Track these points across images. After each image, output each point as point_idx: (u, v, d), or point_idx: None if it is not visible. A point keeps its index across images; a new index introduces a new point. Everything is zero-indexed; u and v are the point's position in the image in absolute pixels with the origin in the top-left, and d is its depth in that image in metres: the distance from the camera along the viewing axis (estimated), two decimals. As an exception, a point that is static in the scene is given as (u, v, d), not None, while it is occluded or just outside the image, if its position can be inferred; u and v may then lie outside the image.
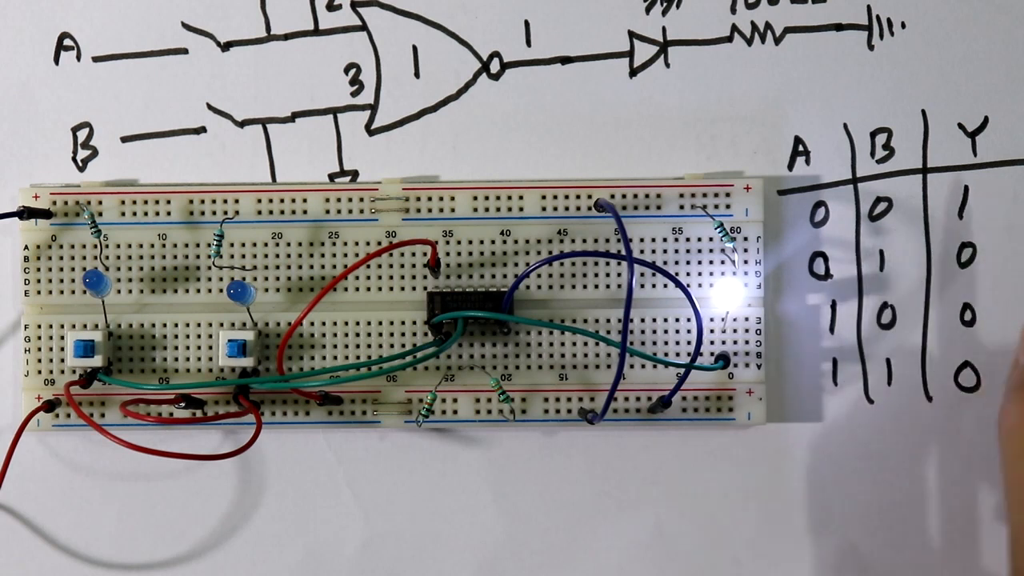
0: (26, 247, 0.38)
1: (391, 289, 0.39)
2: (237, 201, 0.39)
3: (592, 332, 0.38)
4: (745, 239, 0.39)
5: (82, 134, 0.40)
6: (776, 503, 0.40)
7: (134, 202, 0.39)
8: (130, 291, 0.39)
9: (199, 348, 0.39)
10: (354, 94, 0.40)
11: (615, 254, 0.38)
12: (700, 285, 0.39)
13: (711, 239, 0.39)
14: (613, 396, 0.36)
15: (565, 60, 0.40)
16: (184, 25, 0.40)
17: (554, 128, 0.40)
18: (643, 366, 0.39)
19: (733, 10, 0.40)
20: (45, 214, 0.38)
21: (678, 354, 0.39)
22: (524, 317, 0.38)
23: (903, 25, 0.40)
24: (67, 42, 0.40)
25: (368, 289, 0.39)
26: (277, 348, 0.37)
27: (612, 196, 0.39)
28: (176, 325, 0.39)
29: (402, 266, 0.39)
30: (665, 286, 0.39)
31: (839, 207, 0.40)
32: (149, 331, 0.39)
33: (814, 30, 0.40)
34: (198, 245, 0.39)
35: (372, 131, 0.40)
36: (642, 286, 0.39)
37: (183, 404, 0.38)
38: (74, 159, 0.40)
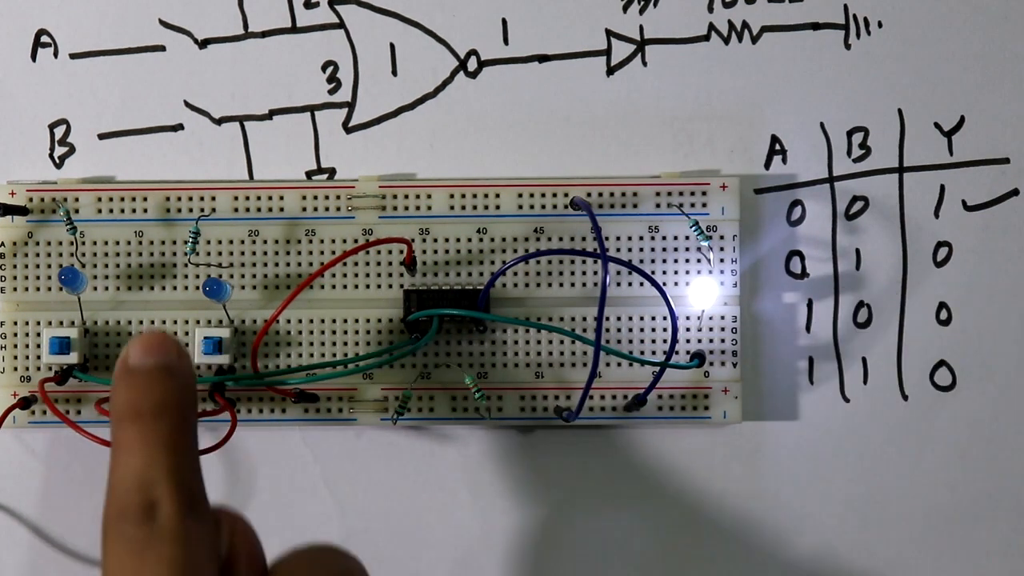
0: (2, 244, 0.38)
1: (367, 287, 0.39)
2: (214, 198, 0.39)
3: (567, 330, 0.38)
4: (721, 238, 0.39)
5: (59, 131, 0.40)
6: (752, 501, 0.40)
7: (111, 199, 0.39)
8: (106, 288, 0.39)
9: (175, 345, 0.38)
10: (332, 92, 0.40)
11: (590, 252, 0.38)
12: (676, 284, 0.39)
13: (687, 238, 0.39)
14: (588, 394, 0.36)
15: (542, 58, 0.40)
16: (161, 22, 0.40)
17: (531, 126, 0.40)
18: (619, 364, 0.39)
19: (710, 9, 0.40)
20: (21, 211, 0.38)
21: (654, 352, 0.39)
22: (500, 315, 0.38)
23: (880, 24, 0.40)
24: (44, 39, 0.40)
25: (344, 287, 0.39)
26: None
27: (588, 194, 0.39)
28: (152, 322, 0.39)
29: (379, 264, 0.39)
30: (641, 284, 0.39)
31: (815, 206, 0.40)
32: (125, 328, 0.39)
33: (791, 29, 0.40)
34: (175, 242, 0.39)
35: (349, 129, 0.40)
36: (618, 284, 0.39)
37: (159, 401, 0.38)
38: (51, 156, 0.40)
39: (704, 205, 0.39)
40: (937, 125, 0.40)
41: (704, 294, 0.39)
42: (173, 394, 0.29)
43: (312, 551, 0.29)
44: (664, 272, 0.39)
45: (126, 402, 0.29)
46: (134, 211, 0.39)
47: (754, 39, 0.40)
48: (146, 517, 0.27)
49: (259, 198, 0.39)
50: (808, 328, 0.40)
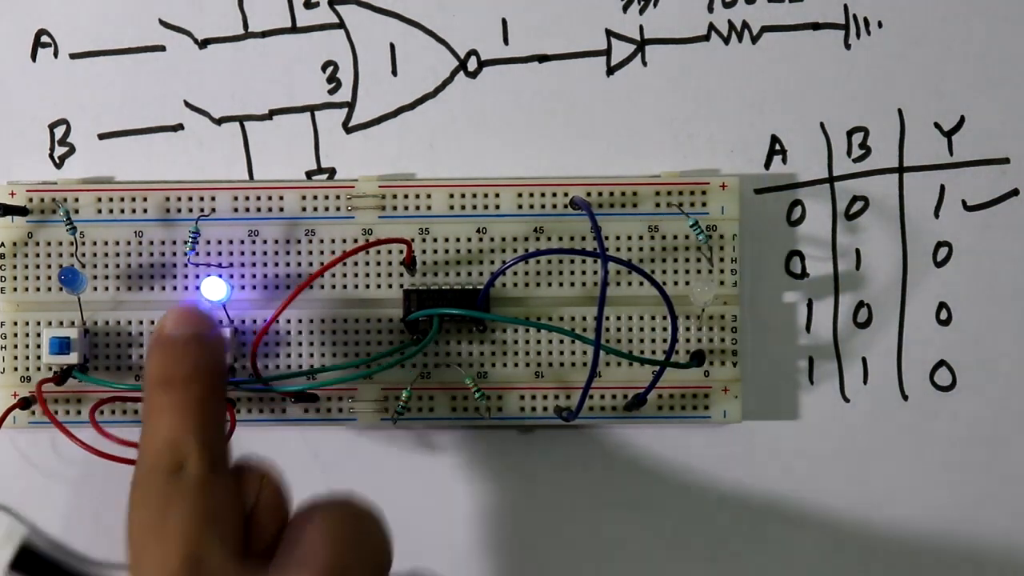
0: (2, 244, 0.38)
1: (367, 287, 0.39)
2: (213, 199, 0.39)
3: (567, 330, 0.38)
4: (721, 237, 0.39)
5: (59, 131, 0.40)
6: (752, 501, 0.40)
7: (111, 199, 0.39)
8: (106, 288, 0.39)
9: (175, 345, 0.38)
10: (332, 92, 0.40)
11: (590, 252, 0.38)
12: (676, 283, 0.39)
13: (687, 237, 0.39)
14: (588, 394, 0.36)
15: (542, 58, 0.40)
16: (161, 22, 0.40)
17: (531, 126, 0.40)
18: (619, 364, 0.39)
19: (710, 9, 0.40)
20: (22, 211, 0.38)
21: (654, 352, 0.39)
22: (499, 315, 0.38)
23: (880, 24, 0.40)
24: (44, 39, 0.40)
25: (344, 287, 0.39)
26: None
27: (588, 194, 0.39)
28: (152, 322, 0.38)
29: (378, 264, 0.39)
30: (641, 284, 0.39)
31: (815, 206, 0.40)
32: (125, 328, 0.39)
33: (791, 29, 0.40)
34: (175, 242, 0.39)
35: (349, 129, 0.40)
36: (618, 284, 0.39)
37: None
38: (51, 156, 0.40)
39: (704, 205, 0.39)
40: (937, 125, 0.40)
41: (704, 294, 0.39)
42: (204, 363, 0.32)
43: (328, 496, 0.32)
44: (664, 272, 0.39)
45: (160, 370, 0.31)
46: (134, 211, 0.39)
47: (754, 39, 0.40)
48: (174, 474, 0.30)
49: (259, 198, 0.39)
50: (808, 328, 0.40)
